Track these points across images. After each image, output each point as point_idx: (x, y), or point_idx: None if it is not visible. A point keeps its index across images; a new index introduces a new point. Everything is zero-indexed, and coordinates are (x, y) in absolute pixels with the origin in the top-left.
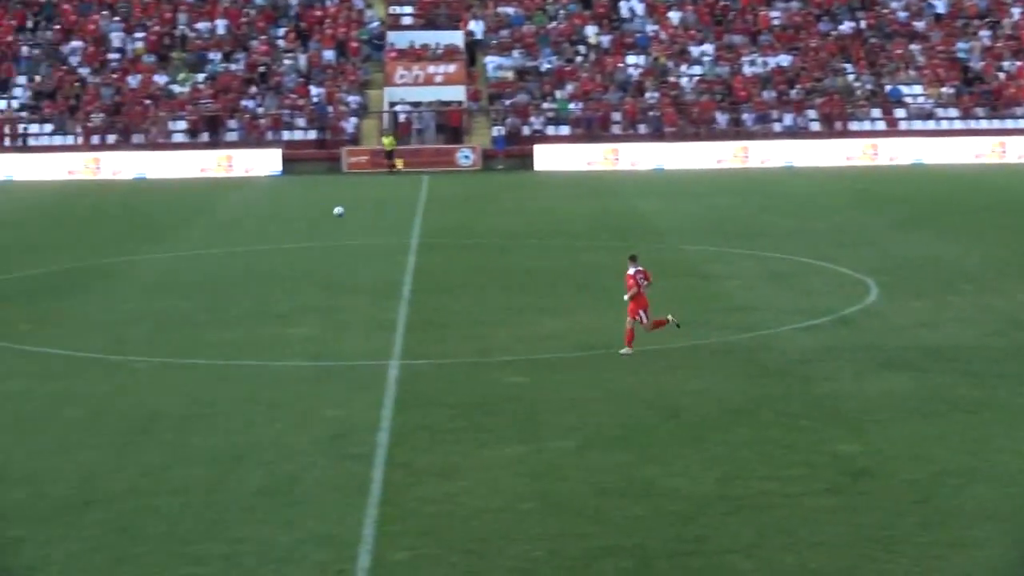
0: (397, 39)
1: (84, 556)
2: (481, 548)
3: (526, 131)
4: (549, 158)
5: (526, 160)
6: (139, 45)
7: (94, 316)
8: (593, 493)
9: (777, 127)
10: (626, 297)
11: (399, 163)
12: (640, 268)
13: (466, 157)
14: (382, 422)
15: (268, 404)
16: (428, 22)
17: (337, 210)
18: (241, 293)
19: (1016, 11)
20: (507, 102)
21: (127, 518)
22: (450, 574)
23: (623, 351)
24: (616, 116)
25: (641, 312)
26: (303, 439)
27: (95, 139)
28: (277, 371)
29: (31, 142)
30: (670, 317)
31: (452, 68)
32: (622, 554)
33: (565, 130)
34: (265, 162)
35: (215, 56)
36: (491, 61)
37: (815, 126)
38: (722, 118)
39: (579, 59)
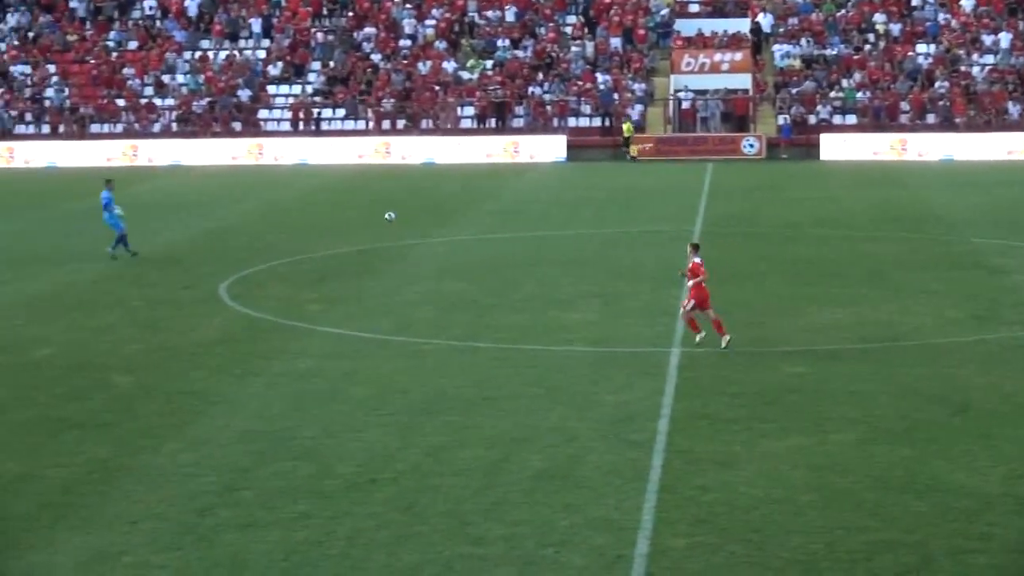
0: (684, 27)
1: (368, 533)
2: (759, 538)
3: (812, 120)
4: (835, 147)
5: (811, 149)
6: (430, 32)
7: (382, 298)
8: (874, 487)
9: None
10: (690, 283)
11: (634, 150)
12: (698, 260)
13: (751, 146)
14: (662, 409)
15: (549, 388)
16: (715, 10)
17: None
18: (525, 278)
19: None
20: (794, 90)
21: (410, 497)
22: (728, 563)
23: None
24: (904, 106)
25: (692, 302)
26: (583, 424)
27: (385, 124)
28: (559, 356)
29: (324, 127)
30: (727, 338)
31: (739, 56)
32: (903, 550)
33: (852, 119)
34: (550, 148)
35: (503, 43)
36: (778, 49)
37: None
38: (1014, 108)
39: (867, 48)
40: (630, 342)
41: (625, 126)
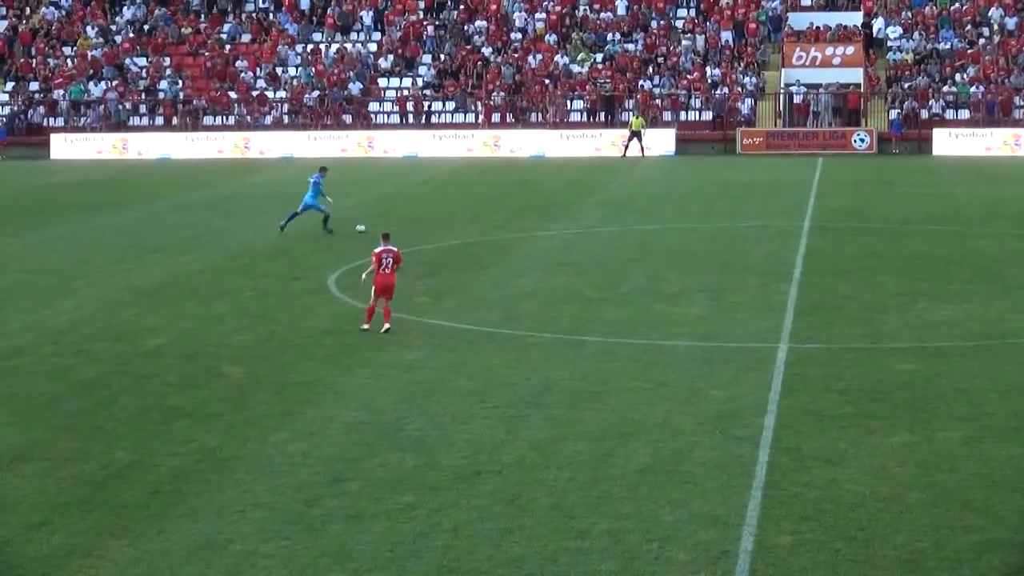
0: (795, 20)
1: (472, 525)
2: (865, 536)
3: (924, 115)
4: (947, 143)
5: (923, 144)
6: (540, 25)
7: (489, 290)
8: (983, 485)
9: None
10: (363, 275)
11: (642, 147)
12: (391, 248)
13: (862, 140)
14: (769, 405)
15: (656, 383)
16: (828, 3)
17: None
18: (632, 271)
19: None
20: (906, 85)
21: (515, 489)
22: (833, 560)
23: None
24: (1019, 101)
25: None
26: (689, 419)
27: (495, 117)
28: (666, 350)
29: (433, 120)
30: (387, 326)
31: (850, 50)
32: (1011, 549)
33: (965, 114)
34: (660, 142)
35: (614, 36)
36: (891, 43)
37: None
38: None
39: (982, 41)
40: (737, 337)
41: (635, 120)
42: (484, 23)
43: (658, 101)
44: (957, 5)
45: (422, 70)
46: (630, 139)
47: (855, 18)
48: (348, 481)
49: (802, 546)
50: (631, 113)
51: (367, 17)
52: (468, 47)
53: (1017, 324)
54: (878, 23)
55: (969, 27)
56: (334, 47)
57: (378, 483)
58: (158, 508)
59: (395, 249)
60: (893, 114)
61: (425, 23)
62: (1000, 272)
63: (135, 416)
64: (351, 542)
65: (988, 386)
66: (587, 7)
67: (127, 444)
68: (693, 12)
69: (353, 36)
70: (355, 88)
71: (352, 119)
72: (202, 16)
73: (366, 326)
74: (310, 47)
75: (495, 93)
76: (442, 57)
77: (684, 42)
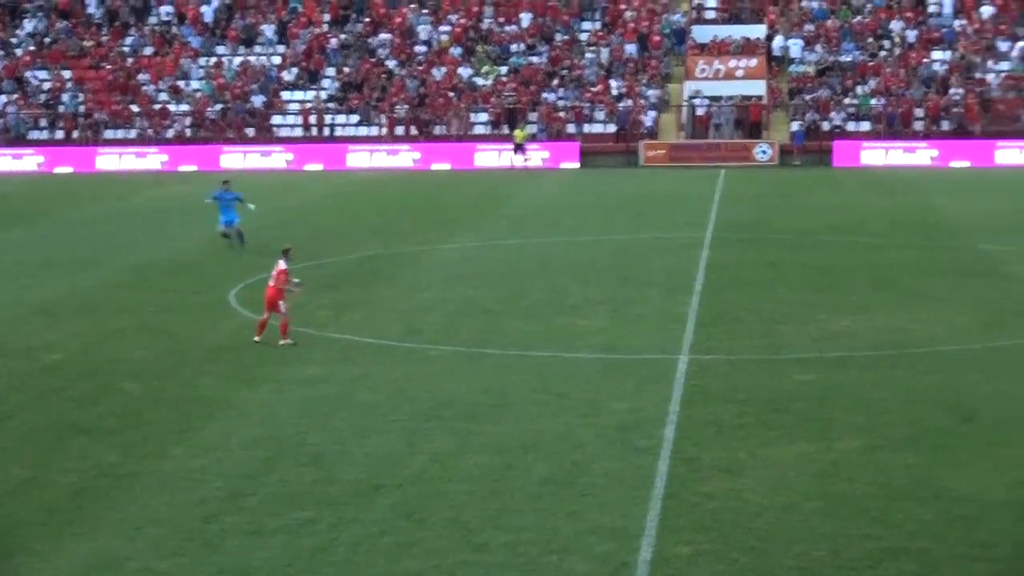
0: (699, 33)
1: (371, 539)
2: (763, 546)
3: (825, 126)
4: (848, 154)
5: (824, 156)
6: (445, 38)
7: (391, 304)
8: (880, 494)
9: None
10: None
11: (521, 159)
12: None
13: (763, 152)
14: (669, 416)
15: (557, 395)
16: (731, 16)
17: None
18: (535, 284)
19: None
20: (807, 97)
21: (415, 503)
22: (731, 570)
23: (282, 342)
24: (919, 112)
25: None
26: (590, 431)
27: (399, 130)
28: (567, 362)
29: (337, 132)
30: (286, 342)
31: (753, 63)
32: (906, 557)
33: (866, 126)
34: (563, 154)
35: (518, 49)
36: (793, 56)
37: None
38: None
39: (883, 54)
40: (638, 349)
41: (518, 133)
42: (388, 36)
43: (562, 114)
44: (859, 18)
45: (326, 83)
46: (515, 151)
47: (758, 31)
48: (247, 496)
49: (700, 556)
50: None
51: (270, 30)
52: (372, 60)
53: (915, 334)
54: (780, 36)
55: (871, 40)
56: (237, 60)
57: (277, 498)
58: (55, 526)
59: (282, 266)
60: (795, 126)
61: (329, 36)
62: (899, 282)
63: (32, 433)
64: (249, 558)
65: (886, 396)
66: (492, 20)
67: (23, 461)
68: (598, 25)
69: (257, 49)
70: (258, 101)
71: (255, 132)
72: (104, 29)
73: (257, 338)
74: (213, 60)
75: (399, 106)
76: (346, 70)
77: (588, 55)
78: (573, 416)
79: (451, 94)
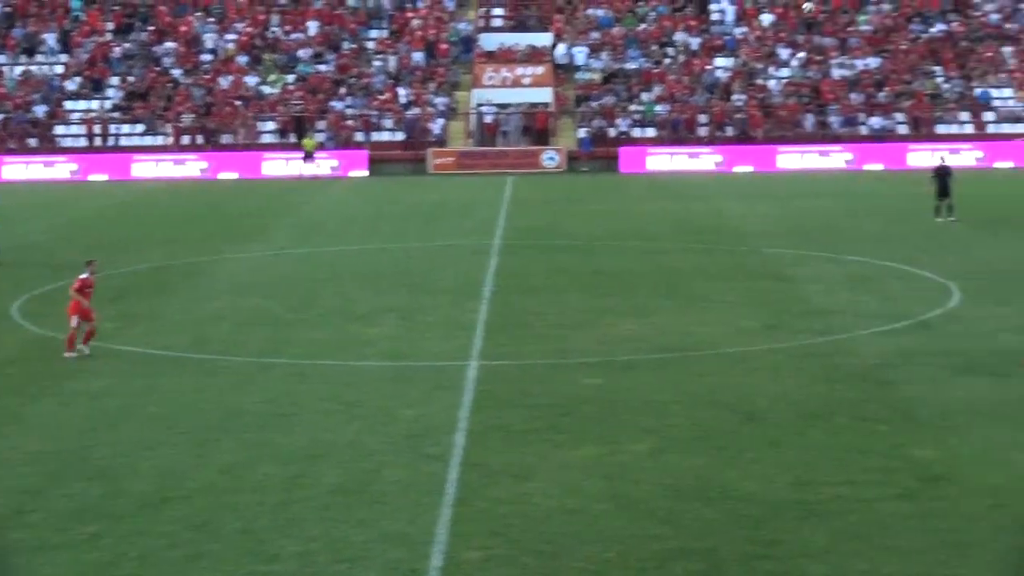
0: (487, 41)
1: (160, 552)
2: (553, 549)
3: (612, 133)
4: (634, 160)
5: (611, 162)
6: (231, 46)
7: (178, 315)
8: (667, 495)
9: (864, 130)
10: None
11: (316, 166)
12: (87, 277)
13: (551, 159)
14: (459, 422)
15: (347, 403)
16: (518, 24)
17: None
18: (324, 293)
19: None
20: (593, 104)
21: (204, 515)
22: (521, 574)
23: (67, 354)
24: (702, 118)
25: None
26: (380, 439)
27: (185, 139)
28: (357, 371)
29: (123, 142)
30: (82, 350)
31: (540, 70)
32: (694, 557)
33: (651, 132)
34: (352, 163)
35: (305, 57)
36: (579, 63)
37: (902, 129)
38: (809, 121)
39: (667, 61)
40: (428, 356)
41: (306, 140)
42: (173, 44)
43: (350, 122)
44: (644, 26)
45: (110, 92)
46: (305, 159)
47: (544, 39)
48: (31, 512)
49: (490, 561)
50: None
51: (52, 39)
52: (157, 69)
53: (700, 337)
54: (563, 44)
55: (655, 47)
56: (18, 69)
57: (63, 513)
58: None
59: (82, 276)
60: (582, 133)
61: (113, 45)
62: (684, 286)
63: None
64: (34, 575)
65: (672, 398)
66: (278, 28)
67: None
68: (385, 33)
69: (39, 58)
70: (40, 111)
71: (38, 142)
72: None
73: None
74: None
75: (185, 115)
76: (131, 79)
77: (376, 63)
78: (363, 424)
79: (238, 103)
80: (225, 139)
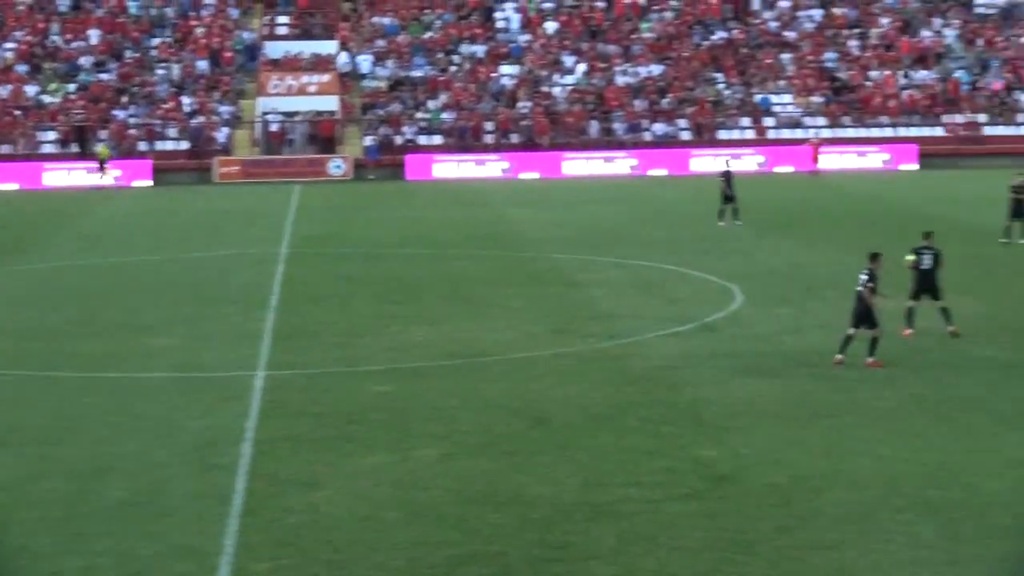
0: (271, 49)
1: None
2: (342, 558)
3: (399, 141)
4: (420, 167)
5: (397, 170)
6: (9, 55)
7: None
8: (457, 501)
9: (648, 136)
10: None
11: (108, 175)
12: None
13: (337, 167)
14: (246, 433)
15: (132, 416)
16: (303, 32)
17: None
18: (107, 305)
19: (884, 21)
20: (380, 112)
21: None
22: None
23: None
24: (489, 126)
25: None
26: (166, 451)
27: None
28: (142, 383)
29: None
30: None
31: (326, 78)
32: (483, 561)
33: (437, 139)
34: (136, 173)
35: (87, 66)
36: (365, 71)
37: (685, 135)
38: (594, 127)
39: (453, 69)
40: (214, 366)
41: (101, 149)
42: None
43: (133, 131)
44: (430, 34)
45: None
46: (100, 168)
47: (330, 47)
48: None
49: (279, 572)
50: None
51: None
52: None
53: (488, 343)
54: (346, 53)
55: (441, 55)
56: None
57: None
58: None
59: None
60: (368, 141)
61: None
62: (472, 293)
63: None
64: None
65: (460, 404)
66: (59, 36)
67: None
68: (168, 41)
69: None
70: None
71: None
72: None
73: None
74: None
75: None
76: None
77: (159, 71)
78: (149, 436)
79: (17, 112)
80: (4, 149)
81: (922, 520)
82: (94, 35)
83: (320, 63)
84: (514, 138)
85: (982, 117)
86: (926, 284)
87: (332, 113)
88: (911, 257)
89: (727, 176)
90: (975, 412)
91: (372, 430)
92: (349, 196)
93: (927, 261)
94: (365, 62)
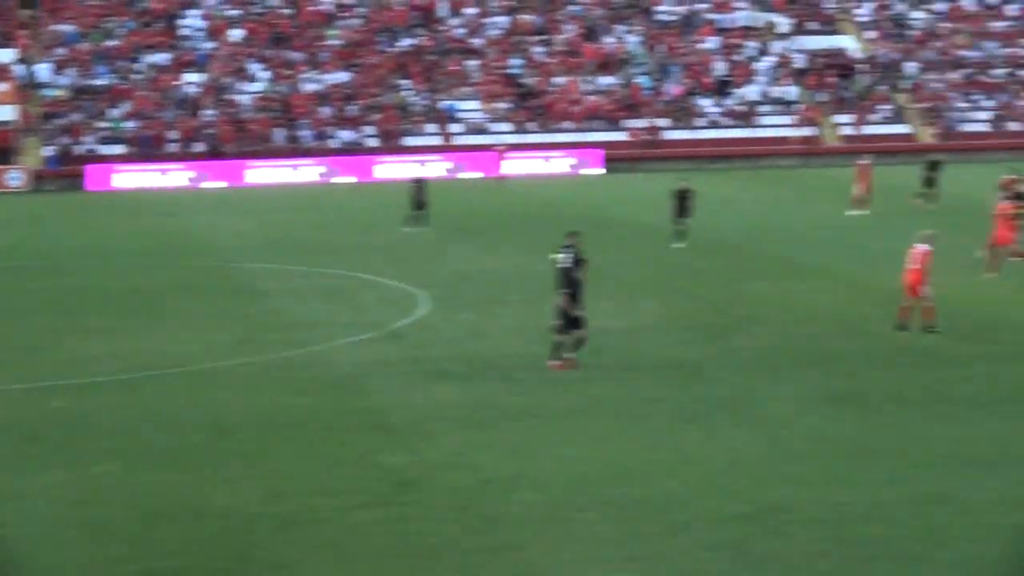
0: None
1: None
2: None
3: (79, 151)
4: (100, 178)
5: (77, 180)
6: None
7: None
8: (139, 517)
9: (334, 143)
10: None
11: None
12: None
13: (15, 178)
14: None
15: None
16: None
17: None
18: None
19: (569, 27)
20: (60, 121)
21: None
22: None
23: None
24: (172, 134)
25: None
26: None
27: None
28: None
29: None
30: None
31: (3, 87)
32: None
33: (119, 149)
34: None
35: None
36: (45, 79)
37: (372, 142)
38: (280, 135)
39: (136, 77)
40: None
41: None
42: None
43: None
44: (113, 42)
45: None
46: None
47: (7, 55)
48: None
49: None
50: None
51: None
52: None
53: (170, 354)
54: (29, 60)
55: (124, 63)
56: None
57: None
58: None
59: None
60: (49, 151)
61: None
62: (154, 304)
63: None
64: None
65: (142, 418)
66: None
67: None
68: None
69: None
70: None
71: None
72: None
73: None
74: None
75: None
76: None
77: None
78: None
79: None
80: None
81: (604, 519)
82: None
83: None
84: (199, 147)
85: (662, 122)
86: (567, 283)
87: (10, 123)
88: (555, 255)
89: (420, 182)
90: (655, 411)
91: (50, 447)
92: (27, 208)
93: (567, 260)
94: (44, 70)
